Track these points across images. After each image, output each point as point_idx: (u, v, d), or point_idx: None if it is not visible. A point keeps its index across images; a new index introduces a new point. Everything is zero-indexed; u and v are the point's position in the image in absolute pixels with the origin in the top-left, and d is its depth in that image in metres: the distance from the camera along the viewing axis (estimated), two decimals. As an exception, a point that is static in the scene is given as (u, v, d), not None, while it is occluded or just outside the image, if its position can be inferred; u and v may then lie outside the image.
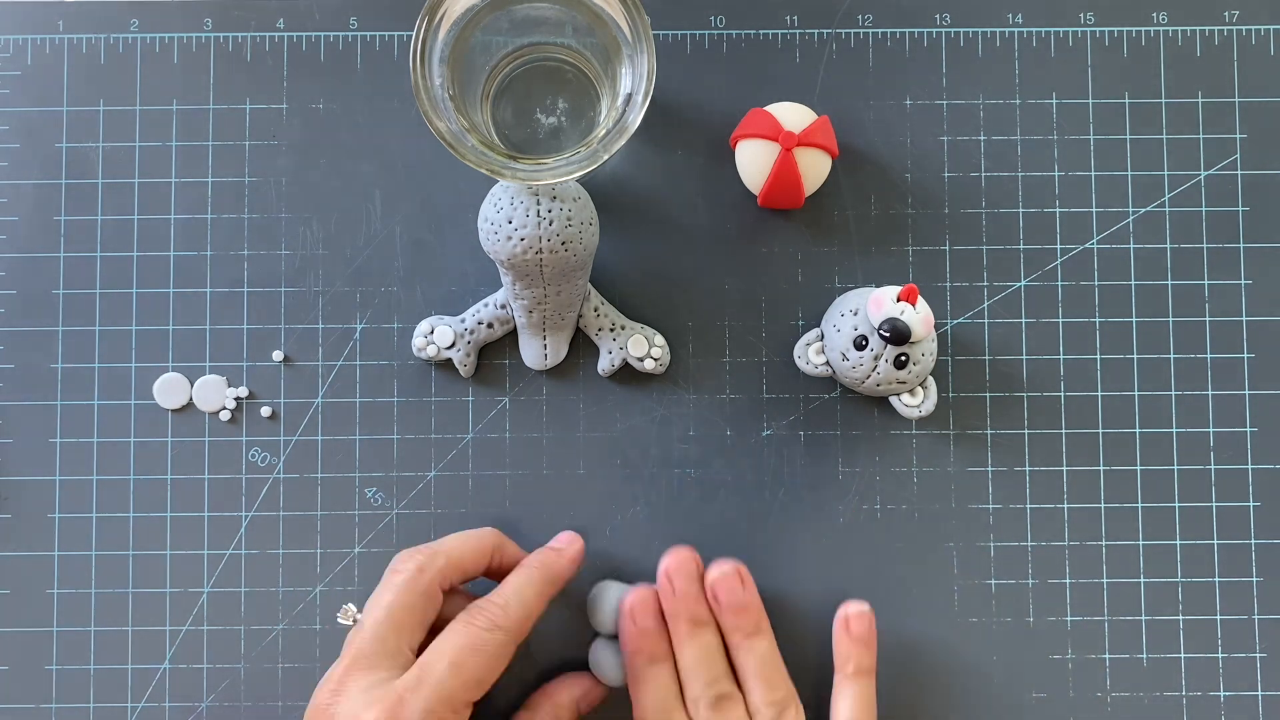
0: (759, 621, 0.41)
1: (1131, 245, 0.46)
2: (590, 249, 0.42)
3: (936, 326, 0.45)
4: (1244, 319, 0.46)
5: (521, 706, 0.42)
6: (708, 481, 0.45)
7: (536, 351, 0.45)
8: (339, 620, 0.39)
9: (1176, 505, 0.45)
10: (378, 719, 0.36)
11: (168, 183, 0.46)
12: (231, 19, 0.46)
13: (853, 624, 0.42)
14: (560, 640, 0.45)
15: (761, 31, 0.46)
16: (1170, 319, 0.46)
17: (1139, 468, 0.45)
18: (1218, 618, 0.45)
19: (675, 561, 0.42)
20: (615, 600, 0.42)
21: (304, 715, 0.38)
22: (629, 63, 0.40)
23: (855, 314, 0.42)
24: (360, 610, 0.39)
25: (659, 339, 0.45)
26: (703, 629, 0.41)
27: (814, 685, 0.44)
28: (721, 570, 0.42)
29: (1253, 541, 0.45)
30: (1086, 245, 0.46)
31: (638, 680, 0.41)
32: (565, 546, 0.42)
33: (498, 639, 0.38)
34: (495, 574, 0.42)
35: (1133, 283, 0.46)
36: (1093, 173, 0.46)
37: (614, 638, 0.43)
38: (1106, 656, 0.45)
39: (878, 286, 0.43)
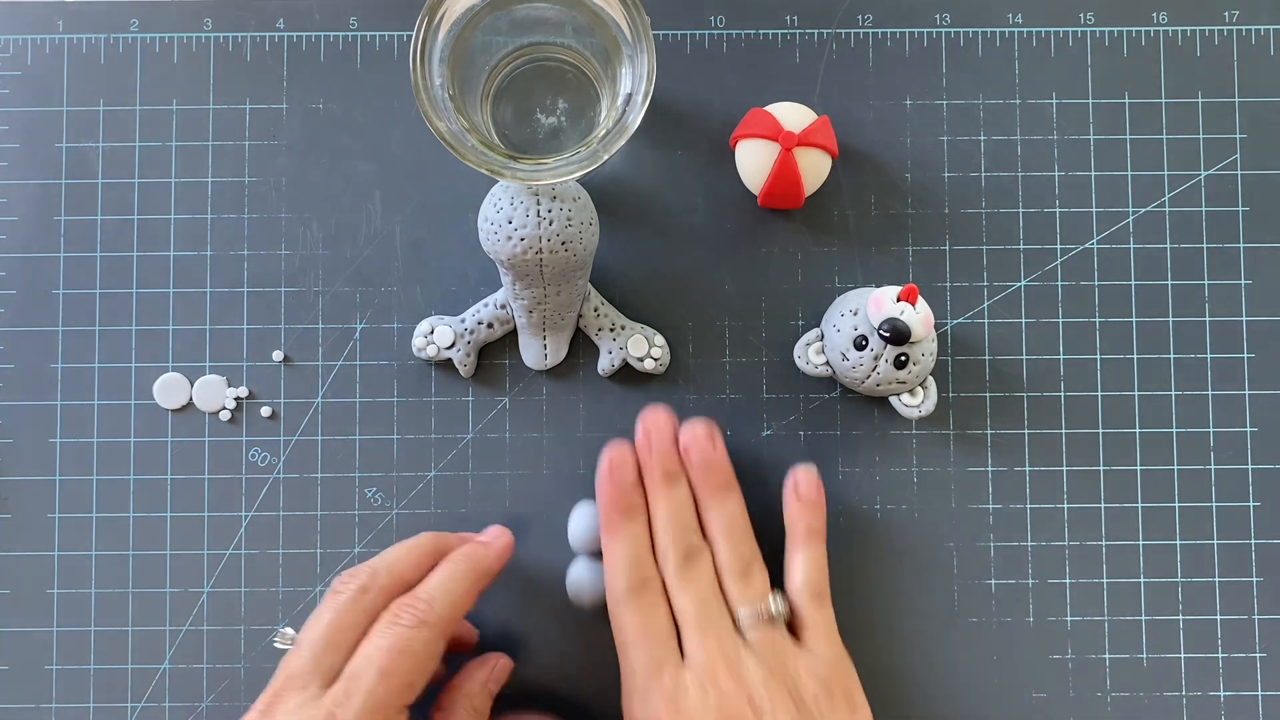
0: (728, 480, 0.42)
1: (1131, 245, 0.46)
2: (590, 249, 0.42)
3: (936, 326, 0.45)
4: (1244, 319, 0.46)
5: (433, 708, 0.41)
6: (708, 481, 0.45)
7: (536, 351, 0.45)
8: (275, 644, 0.38)
9: (1176, 505, 0.45)
10: None
11: (168, 183, 0.46)
12: (231, 19, 0.46)
13: (801, 488, 0.42)
14: (551, 650, 0.45)
15: (761, 31, 0.46)
16: (1170, 319, 0.46)
17: (1139, 468, 0.45)
18: (1218, 618, 0.45)
19: (652, 419, 0.42)
20: (593, 519, 0.43)
21: None
22: (629, 63, 0.40)
23: (855, 314, 0.42)
24: (296, 634, 0.38)
25: (659, 339, 0.45)
26: (676, 484, 0.41)
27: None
28: (694, 430, 0.42)
29: (1253, 541, 0.45)
30: (1086, 245, 0.46)
31: (611, 533, 0.41)
32: (494, 539, 0.42)
33: (424, 636, 0.37)
34: None
35: (1133, 283, 0.46)
36: (1093, 173, 0.46)
37: (591, 556, 0.43)
38: (1106, 656, 0.45)
39: (878, 286, 0.43)
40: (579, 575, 0.43)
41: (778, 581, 0.42)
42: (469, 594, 0.39)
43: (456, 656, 0.43)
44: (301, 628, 0.38)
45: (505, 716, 0.43)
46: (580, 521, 0.43)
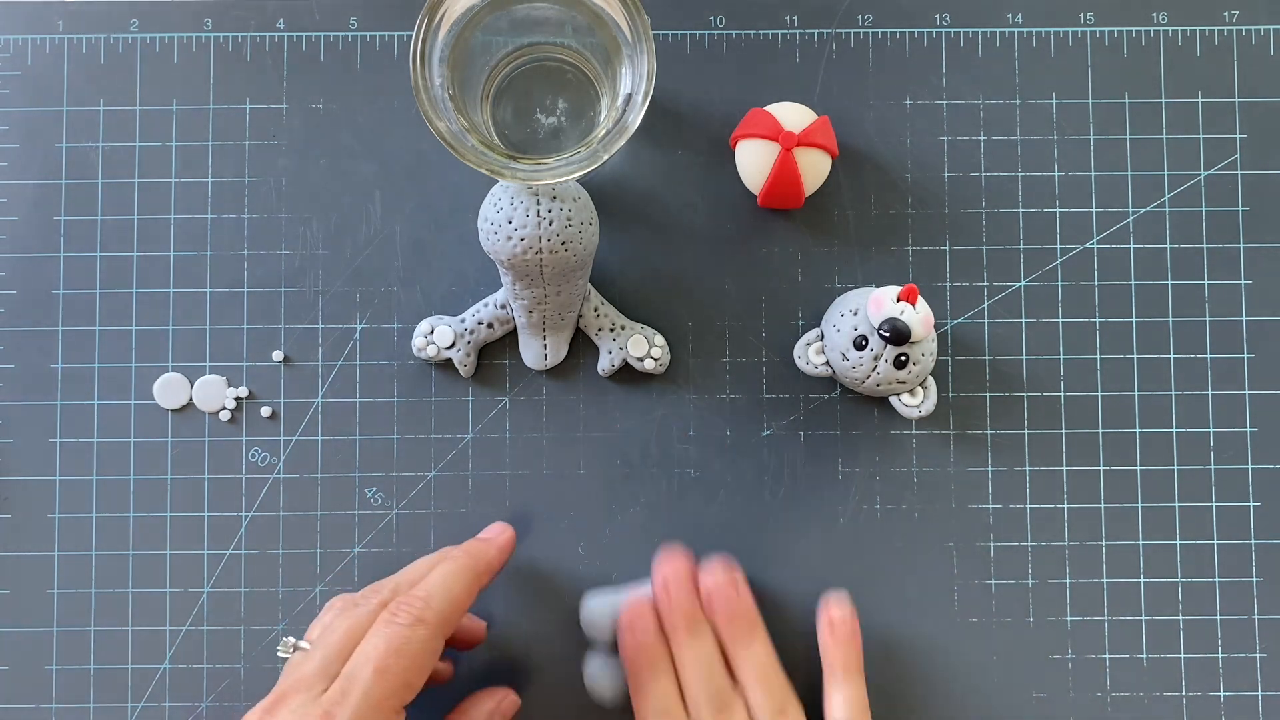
0: (754, 625, 0.41)
1: (1131, 245, 0.46)
2: (590, 249, 0.42)
3: (936, 326, 0.45)
4: (1244, 319, 0.46)
5: None
6: (708, 481, 0.45)
7: (536, 351, 0.45)
8: (279, 653, 0.38)
9: (1176, 505, 0.45)
10: None
11: (168, 183, 0.46)
12: (231, 19, 0.46)
13: (837, 626, 0.42)
14: (550, 651, 0.45)
15: (761, 31, 0.46)
16: (1170, 319, 0.46)
17: (1139, 468, 0.45)
18: (1218, 618, 0.45)
19: (670, 568, 0.42)
20: (608, 609, 0.42)
21: None
22: (629, 63, 0.40)
23: (855, 314, 0.42)
24: (298, 641, 0.38)
25: (659, 339, 0.45)
26: (701, 635, 0.41)
27: (814, 685, 0.44)
28: (715, 577, 0.42)
29: (1253, 541, 0.45)
30: (1086, 245, 0.46)
31: (641, 691, 0.40)
32: (495, 536, 0.42)
33: (420, 635, 0.36)
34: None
35: (1133, 283, 0.46)
36: (1093, 173, 0.46)
37: (607, 650, 0.43)
38: (1106, 656, 0.45)
39: (878, 286, 0.43)
40: (595, 672, 0.43)
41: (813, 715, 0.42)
42: (468, 591, 0.39)
43: (464, 652, 0.43)
44: (318, 635, 0.38)
45: (465, 700, 0.42)
46: (595, 615, 0.43)
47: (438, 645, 0.37)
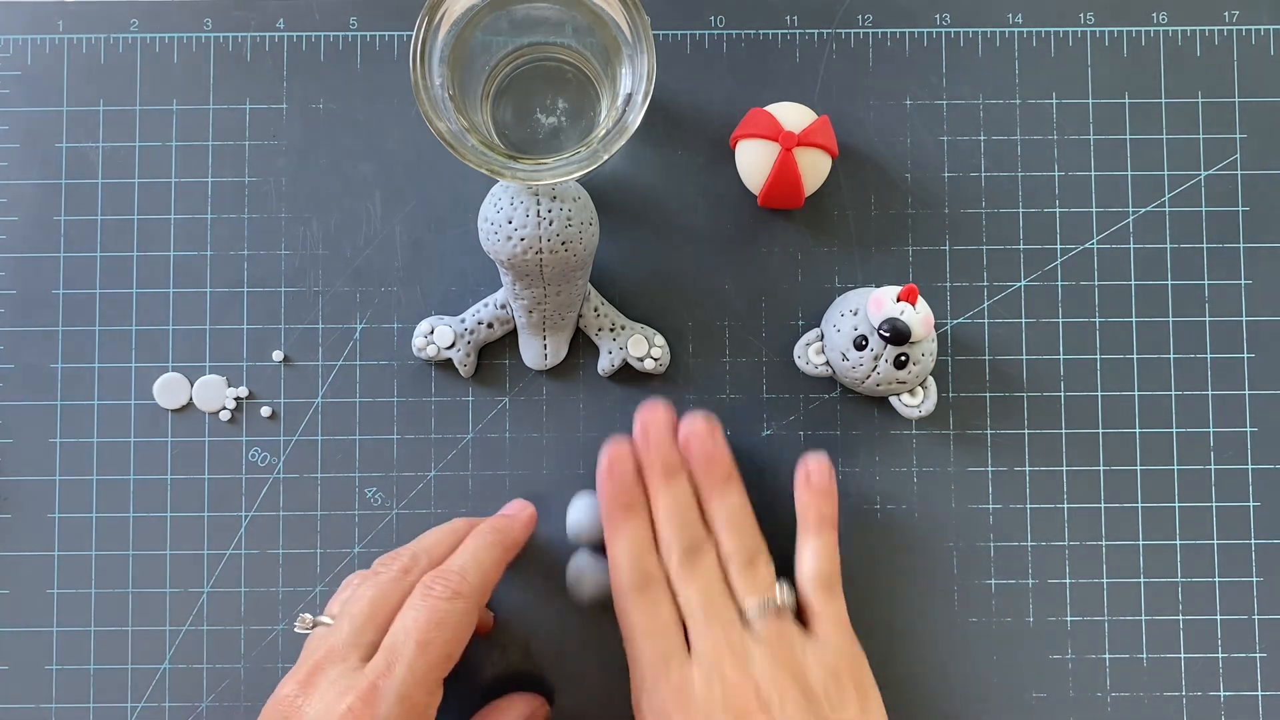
0: (729, 472, 0.42)
1: (1131, 245, 0.46)
2: (590, 249, 0.42)
3: (936, 326, 0.45)
4: (1244, 319, 0.46)
5: None
6: (708, 481, 0.45)
7: (536, 351, 0.45)
8: (297, 629, 0.38)
9: (1176, 505, 0.45)
10: (351, 707, 0.34)
11: (168, 183, 0.46)
12: (231, 19, 0.46)
13: (813, 476, 0.42)
14: (550, 651, 0.45)
15: (761, 31, 0.46)
16: (1170, 319, 0.46)
17: (1139, 468, 0.45)
18: (1218, 618, 0.45)
19: (650, 414, 0.42)
20: (593, 510, 0.43)
21: (265, 710, 0.36)
22: (629, 63, 0.40)
23: (855, 314, 0.42)
24: (318, 617, 0.38)
25: (659, 339, 0.45)
26: (676, 478, 0.41)
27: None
28: (693, 423, 0.42)
29: (1253, 541, 0.45)
30: (1086, 245, 0.46)
31: (615, 531, 0.41)
32: (518, 512, 0.43)
33: (459, 608, 0.37)
34: None
35: (1133, 283, 0.46)
36: (1093, 173, 0.46)
37: (590, 549, 0.44)
38: (1106, 656, 0.45)
39: (878, 286, 0.43)
40: (579, 568, 0.43)
41: (785, 572, 0.42)
42: (498, 565, 0.40)
43: (475, 640, 0.43)
44: (341, 605, 0.38)
45: (496, 702, 0.43)
46: (579, 513, 0.43)
47: (474, 618, 0.38)
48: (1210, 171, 0.46)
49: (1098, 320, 0.46)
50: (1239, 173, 0.46)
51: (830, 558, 0.41)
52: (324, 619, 0.38)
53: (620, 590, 0.40)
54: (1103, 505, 0.45)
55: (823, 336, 0.44)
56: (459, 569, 0.38)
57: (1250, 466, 0.45)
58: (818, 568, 0.41)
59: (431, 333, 0.45)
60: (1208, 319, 0.46)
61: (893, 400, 0.44)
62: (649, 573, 0.40)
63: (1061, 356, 0.46)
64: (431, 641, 0.36)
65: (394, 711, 0.35)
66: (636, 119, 0.38)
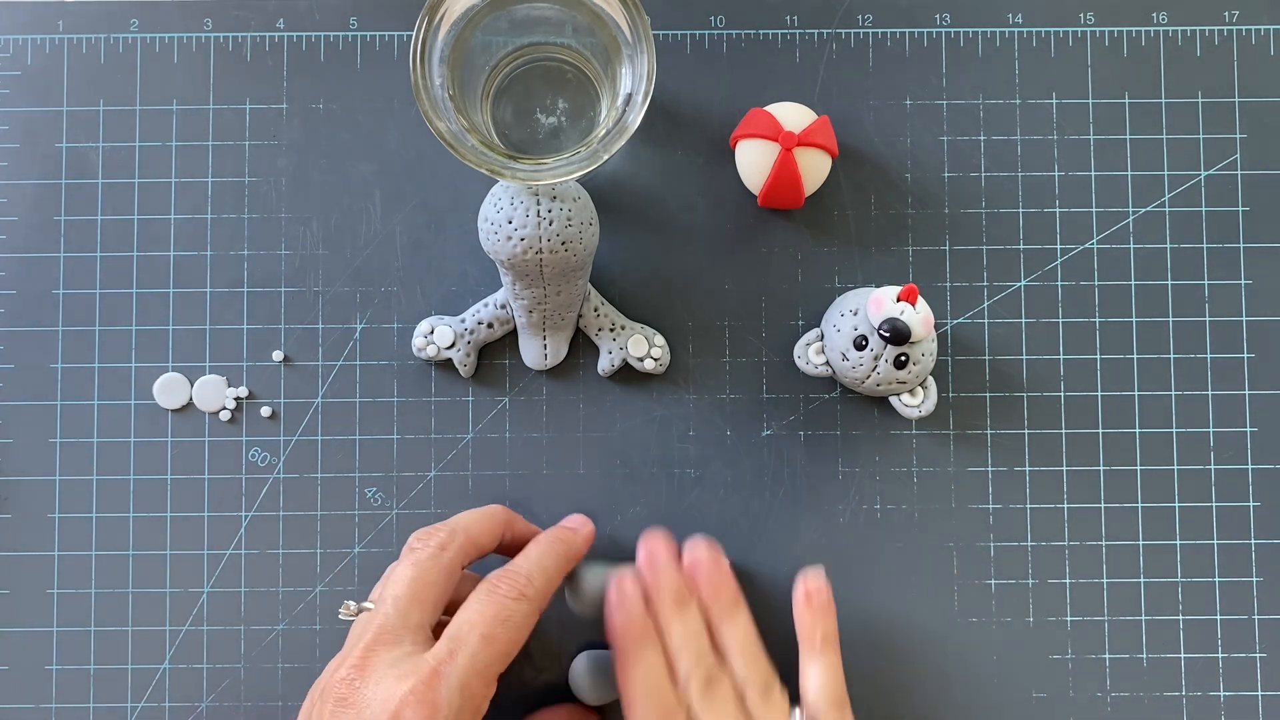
0: (736, 600, 0.42)
1: (1131, 245, 0.46)
2: (590, 249, 0.42)
3: (936, 326, 0.45)
4: (1244, 319, 0.46)
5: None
6: (708, 481, 0.45)
7: (536, 351, 0.45)
8: (341, 615, 0.39)
9: (1176, 505, 0.45)
10: (414, 690, 0.35)
11: (168, 183, 0.46)
12: (231, 19, 0.46)
13: (814, 596, 0.42)
14: (550, 651, 0.45)
15: (761, 31, 0.46)
16: (1170, 319, 0.46)
17: (1139, 468, 0.45)
18: (1218, 618, 0.45)
19: (653, 544, 0.42)
20: (595, 580, 0.43)
21: (313, 693, 0.37)
22: (629, 63, 0.40)
23: (855, 314, 0.42)
24: (360, 604, 0.39)
25: (659, 339, 0.45)
26: (687, 607, 0.41)
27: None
28: (696, 551, 0.42)
29: (1253, 541, 0.45)
30: (1086, 245, 0.46)
31: (627, 661, 0.40)
32: (579, 527, 0.43)
33: (524, 609, 0.38)
34: (507, 549, 0.42)
35: (1133, 283, 0.46)
36: (1093, 173, 0.46)
37: (591, 649, 0.44)
38: (1106, 656, 0.45)
39: (878, 286, 0.43)
40: (580, 672, 0.43)
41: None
42: (559, 574, 0.40)
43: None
44: (378, 585, 0.39)
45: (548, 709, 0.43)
46: (582, 585, 0.43)
47: (533, 622, 0.38)
48: (1210, 171, 0.46)
49: (1098, 320, 0.46)
50: (1239, 173, 0.46)
51: (838, 678, 0.41)
52: (367, 605, 0.39)
53: None
54: (1103, 505, 0.45)
55: (823, 336, 0.44)
56: (526, 572, 0.39)
57: (1250, 466, 0.45)
58: (827, 689, 0.41)
59: (431, 333, 0.45)
60: (1208, 319, 0.46)
61: (893, 400, 0.44)
62: (669, 706, 0.40)
63: (1061, 356, 0.46)
64: (495, 637, 0.36)
65: (454, 699, 0.35)
66: (636, 119, 0.38)
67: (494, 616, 0.37)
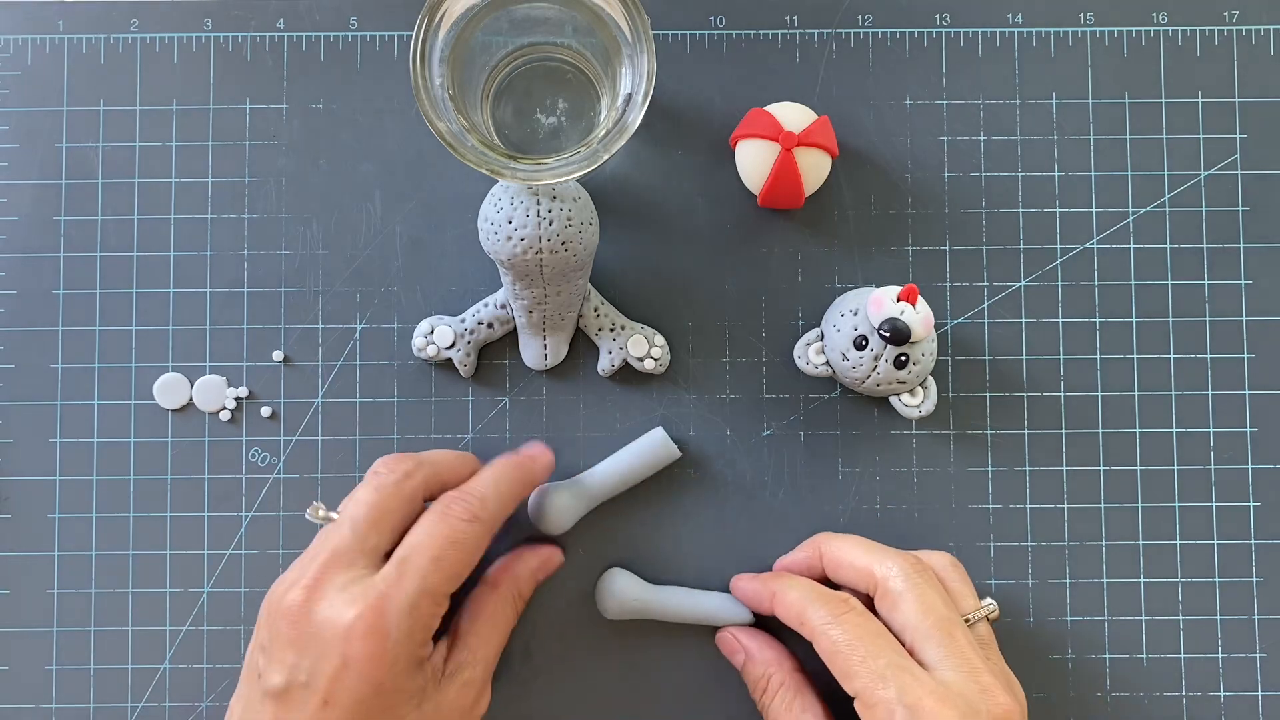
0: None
1: (1131, 245, 0.46)
2: (590, 249, 0.42)
3: (936, 326, 0.45)
4: (1244, 319, 0.46)
5: (480, 580, 0.42)
6: (708, 481, 0.45)
7: (536, 351, 0.45)
8: (307, 516, 0.39)
9: (1176, 505, 0.45)
10: (362, 615, 0.35)
11: (168, 183, 0.46)
12: (231, 19, 0.46)
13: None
14: (550, 651, 0.45)
15: (761, 31, 0.46)
16: (1170, 319, 0.46)
17: (1139, 468, 0.45)
18: (1218, 618, 0.45)
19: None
20: (560, 502, 0.43)
21: (268, 608, 0.37)
22: (629, 63, 0.40)
23: (855, 314, 0.42)
24: (329, 509, 0.39)
25: (659, 339, 0.45)
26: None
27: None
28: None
29: (1253, 541, 0.45)
30: (1086, 245, 0.46)
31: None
32: (538, 454, 0.43)
33: (475, 531, 0.38)
34: None
35: (1133, 283, 0.46)
36: (1093, 173, 0.46)
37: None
38: (1106, 656, 0.45)
39: (878, 286, 0.43)
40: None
41: None
42: (515, 498, 0.40)
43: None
44: (341, 504, 0.39)
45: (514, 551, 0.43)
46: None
47: (485, 544, 0.38)
48: (1210, 171, 0.46)
49: (1098, 320, 0.46)
50: (1239, 173, 0.46)
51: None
52: (333, 514, 0.39)
53: None
54: (1103, 505, 0.45)
55: (823, 336, 0.44)
56: (479, 494, 0.39)
57: (1250, 466, 0.45)
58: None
59: (431, 333, 0.45)
60: (1208, 319, 0.46)
61: (893, 400, 0.44)
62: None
63: (1061, 356, 0.46)
64: (444, 558, 0.37)
65: (403, 622, 0.36)
66: (636, 119, 0.38)
67: (445, 538, 0.37)
